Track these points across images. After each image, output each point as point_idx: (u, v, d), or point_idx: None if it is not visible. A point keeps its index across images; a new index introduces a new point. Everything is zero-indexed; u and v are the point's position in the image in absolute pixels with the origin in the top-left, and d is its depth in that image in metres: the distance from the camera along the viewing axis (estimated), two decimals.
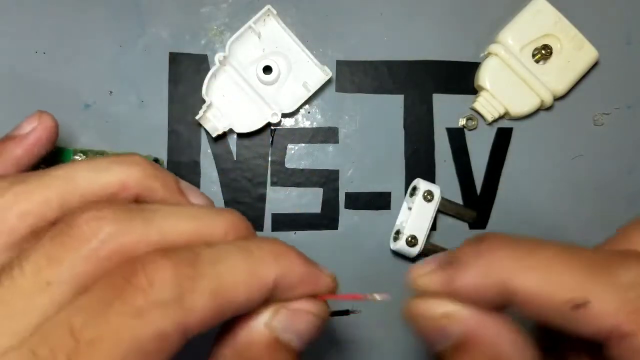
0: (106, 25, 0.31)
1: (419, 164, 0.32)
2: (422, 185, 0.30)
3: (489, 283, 0.18)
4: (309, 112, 0.32)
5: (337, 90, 0.32)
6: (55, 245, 0.17)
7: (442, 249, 0.31)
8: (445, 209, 0.31)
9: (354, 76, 0.32)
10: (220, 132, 0.30)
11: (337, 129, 0.31)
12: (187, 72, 0.31)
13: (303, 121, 0.32)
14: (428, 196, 0.30)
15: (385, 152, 0.31)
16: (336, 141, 0.31)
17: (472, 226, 0.32)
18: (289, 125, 0.31)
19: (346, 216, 0.31)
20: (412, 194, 0.30)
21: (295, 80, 0.31)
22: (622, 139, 0.32)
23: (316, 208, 0.31)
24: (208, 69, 0.31)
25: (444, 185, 0.31)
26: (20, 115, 0.30)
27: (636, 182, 0.32)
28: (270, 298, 0.18)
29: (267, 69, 0.30)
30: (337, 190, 0.31)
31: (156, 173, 0.20)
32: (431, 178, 0.31)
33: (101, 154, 0.30)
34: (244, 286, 0.17)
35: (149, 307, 0.15)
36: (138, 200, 0.20)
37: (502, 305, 0.18)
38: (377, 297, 0.20)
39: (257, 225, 0.31)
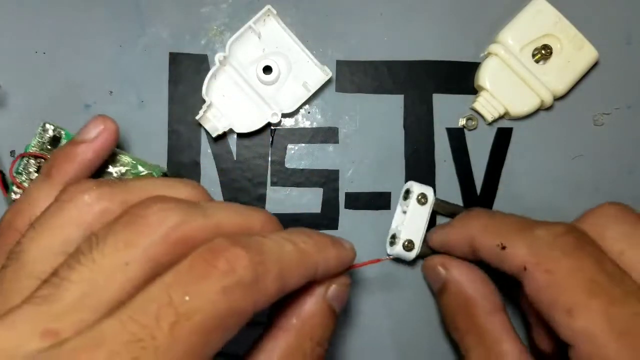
0: (106, 25, 0.31)
1: (419, 164, 0.32)
2: (415, 188, 0.30)
3: (463, 237, 0.27)
4: (309, 112, 0.32)
5: (337, 90, 0.32)
6: (130, 231, 0.19)
7: (454, 206, 0.31)
8: (440, 210, 0.31)
9: (354, 76, 0.32)
10: (220, 132, 0.30)
11: (337, 129, 0.31)
12: (187, 72, 0.31)
13: (303, 121, 0.32)
14: (422, 199, 0.29)
15: (385, 152, 0.31)
16: (336, 141, 0.31)
17: None
18: (289, 125, 0.31)
19: (346, 216, 0.31)
20: (405, 197, 0.30)
21: (295, 80, 0.31)
22: (622, 139, 0.32)
23: (316, 208, 0.31)
24: (208, 69, 0.31)
25: (444, 185, 0.31)
26: (20, 115, 0.30)
27: (636, 182, 0.32)
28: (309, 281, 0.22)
29: (267, 69, 0.30)
30: (337, 190, 0.31)
31: (208, 198, 0.24)
32: (431, 178, 0.31)
33: (116, 153, 0.29)
34: (297, 271, 0.21)
35: (233, 287, 0.18)
36: None
37: (474, 256, 0.27)
38: (385, 257, 0.30)
39: None
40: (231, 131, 0.30)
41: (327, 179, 0.31)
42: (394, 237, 0.30)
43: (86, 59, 0.31)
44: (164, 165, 0.31)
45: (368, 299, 0.31)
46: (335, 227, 0.31)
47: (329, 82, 0.31)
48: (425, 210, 0.30)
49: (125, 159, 0.28)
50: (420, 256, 0.30)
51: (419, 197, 0.29)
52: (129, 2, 0.31)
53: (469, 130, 0.32)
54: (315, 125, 0.31)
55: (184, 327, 0.17)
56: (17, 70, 0.30)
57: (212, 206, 0.21)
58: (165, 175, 0.30)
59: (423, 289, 0.31)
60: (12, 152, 0.30)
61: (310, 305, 0.23)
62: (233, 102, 0.30)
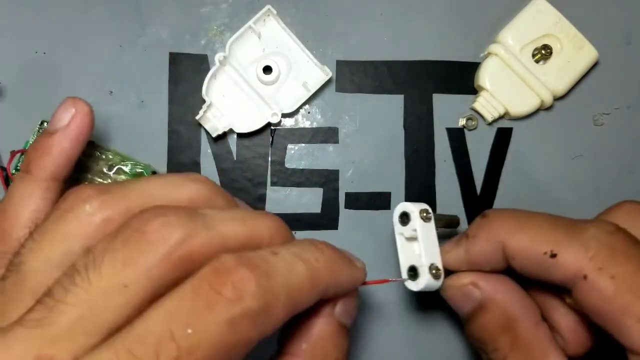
0: (106, 25, 0.31)
1: (419, 164, 0.32)
2: (412, 207, 0.25)
3: (492, 247, 0.23)
4: (309, 112, 0.32)
5: (337, 90, 0.32)
6: (129, 249, 0.18)
7: (448, 216, 0.28)
8: (438, 224, 0.26)
9: (354, 76, 0.32)
10: (220, 132, 0.30)
11: (337, 129, 0.31)
12: (187, 72, 0.31)
13: (303, 121, 0.32)
14: (426, 215, 0.25)
15: (385, 152, 0.31)
16: (336, 141, 0.31)
17: None
18: (289, 125, 0.31)
19: (346, 216, 0.31)
20: (404, 222, 0.25)
21: (295, 80, 0.31)
22: (622, 139, 0.32)
23: (316, 208, 0.31)
24: (208, 69, 0.31)
25: (444, 185, 0.31)
26: (20, 115, 0.30)
27: (636, 182, 0.32)
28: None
29: (267, 69, 0.30)
30: (337, 190, 0.31)
31: (218, 190, 0.23)
32: (431, 178, 0.31)
33: (104, 149, 0.29)
34: (307, 294, 0.19)
35: (241, 318, 0.17)
36: None
37: (505, 265, 0.24)
38: (399, 279, 0.26)
39: None
40: (231, 131, 0.30)
41: (327, 179, 0.31)
42: (413, 269, 0.25)
43: (86, 59, 0.31)
44: (163, 165, 0.31)
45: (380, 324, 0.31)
46: (335, 227, 0.31)
47: (329, 82, 0.31)
48: (432, 226, 0.25)
49: (114, 157, 0.28)
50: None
51: (423, 215, 0.25)
52: (129, 2, 0.31)
53: (469, 130, 0.32)
54: (315, 125, 0.31)
55: None
56: (17, 70, 0.30)
57: (216, 216, 0.20)
58: (154, 173, 0.30)
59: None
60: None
61: (320, 327, 0.21)
62: (233, 102, 0.30)
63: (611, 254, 0.21)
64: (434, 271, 0.25)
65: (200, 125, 0.30)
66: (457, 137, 0.32)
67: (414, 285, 0.25)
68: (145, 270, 0.17)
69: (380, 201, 0.31)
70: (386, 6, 0.32)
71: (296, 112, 0.31)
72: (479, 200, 0.32)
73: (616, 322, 0.20)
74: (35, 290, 0.19)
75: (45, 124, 0.28)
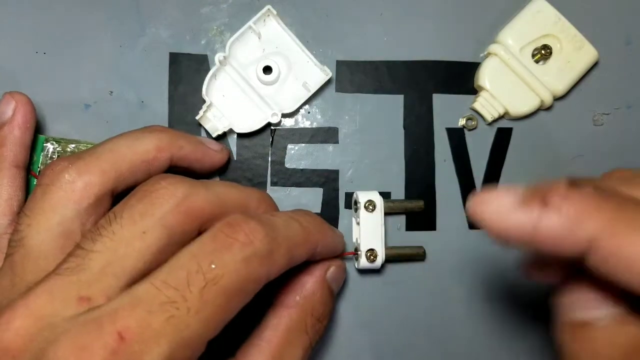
0: (106, 26, 0.31)
1: (419, 164, 0.32)
2: (360, 197, 0.29)
3: (577, 236, 0.17)
4: (309, 112, 0.32)
5: (337, 90, 0.32)
6: (144, 204, 0.21)
7: (408, 249, 0.30)
8: (392, 210, 0.30)
9: (354, 76, 0.32)
10: (220, 132, 0.30)
11: (337, 129, 0.31)
12: (187, 72, 0.31)
13: (303, 121, 0.32)
14: (370, 206, 0.29)
15: (385, 152, 0.31)
16: (336, 141, 0.31)
17: (473, 227, 0.32)
18: (289, 125, 0.31)
19: (346, 216, 0.31)
20: (355, 209, 0.30)
21: (295, 80, 0.31)
22: (622, 139, 0.32)
23: (316, 208, 0.31)
24: (208, 69, 0.31)
25: (444, 185, 0.31)
26: None
27: None
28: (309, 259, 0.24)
29: (267, 69, 0.30)
30: (337, 190, 0.31)
31: (178, 133, 0.27)
32: (431, 178, 0.31)
33: (75, 142, 0.30)
34: (302, 248, 0.23)
35: (252, 258, 0.20)
36: (173, 162, 0.26)
37: (574, 258, 0.17)
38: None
39: None
40: (231, 131, 0.30)
41: (327, 179, 0.31)
42: (356, 250, 0.29)
43: (86, 59, 0.31)
44: None
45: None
46: (335, 227, 0.31)
47: (329, 82, 0.31)
48: (377, 216, 0.29)
49: (81, 147, 0.29)
50: (387, 261, 0.30)
51: (367, 205, 0.29)
52: (129, 2, 0.31)
53: (469, 130, 0.32)
54: (315, 125, 0.31)
55: (212, 291, 0.19)
56: (17, 70, 0.30)
57: (212, 182, 0.23)
58: None
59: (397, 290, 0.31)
60: None
61: (312, 285, 0.25)
62: (233, 102, 0.30)
63: None
64: (369, 255, 0.29)
65: (200, 125, 0.30)
66: (457, 137, 0.32)
67: (356, 264, 0.29)
68: (159, 219, 0.21)
69: None
70: (386, 6, 0.32)
71: (296, 112, 0.31)
72: None
73: None
74: (44, 258, 0.22)
75: (51, 141, 0.29)
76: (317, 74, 0.30)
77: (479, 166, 0.32)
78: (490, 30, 0.31)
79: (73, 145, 0.29)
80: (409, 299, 0.31)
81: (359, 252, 0.29)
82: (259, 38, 0.30)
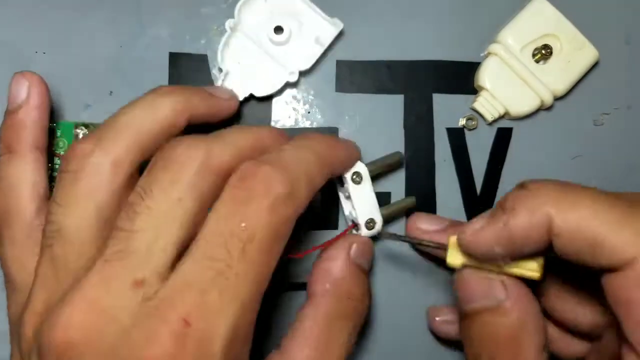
0: (106, 25, 0.31)
1: (419, 164, 0.32)
2: (345, 171, 0.28)
3: (537, 222, 0.21)
4: (309, 112, 0.32)
5: (337, 90, 0.32)
6: (169, 172, 0.21)
7: (398, 203, 0.30)
8: (375, 171, 0.29)
9: (354, 76, 0.32)
10: (241, 99, 0.30)
11: (337, 129, 0.31)
12: (187, 72, 0.31)
13: (303, 121, 0.32)
14: (357, 178, 0.28)
15: (385, 152, 0.31)
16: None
17: None
18: (289, 125, 0.31)
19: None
20: (341, 184, 0.29)
21: (307, 37, 0.31)
22: (622, 139, 0.32)
23: (316, 208, 0.31)
24: (208, 69, 0.31)
25: (444, 185, 0.31)
26: None
27: (636, 182, 0.32)
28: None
29: (278, 30, 0.30)
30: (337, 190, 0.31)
31: (190, 90, 0.26)
32: (431, 178, 0.31)
33: None
34: (320, 172, 0.23)
35: (277, 203, 0.20)
36: (190, 122, 0.25)
37: (545, 245, 0.21)
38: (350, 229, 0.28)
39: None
40: (252, 97, 0.30)
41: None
42: (354, 222, 0.29)
43: (86, 59, 0.31)
44: None
45: None
46: (336, 227, 0.31)
47: (329, 82, 0.31)
48: (366, 185, 0.28)
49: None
50: (386, 222, 0.29)
51: (354, 178, 0.28)
52: (129, 2, 0.31)
53: (469, 130, 0.32)
54: (315, 125, 0.31)
55: (251, 250, 0.19)
56: (17, 70, 0.30)
57: (225, 132, 0.23)
58: None
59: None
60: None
61: (338, 269, 0.25)
62: (249, 68, 0.30)
63: None
64: (370, 224, 0.28)
65: None
66: (457, 137, 0.32)
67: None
68: (188, 184, 0.21)
69: (380, 201, 0.31)
70: (386, 6, 0.32)
71: (312, 68, 0.31)
72: (479, 200, 0.32)
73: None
74: (87, 246, 0.21)
75: (81, 127, 0.29)
76: (328, 28, 0.30)
77: (479, 166, 0.32)
78: (490, 30, 0.31)
79: None
80: (405, 297, 0.31)
81: (358, 224, 0.28)
82: (265, 1, 0.30)
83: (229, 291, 0.19)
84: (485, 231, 0.22)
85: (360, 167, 0.28)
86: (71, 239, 0.22)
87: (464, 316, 0.24)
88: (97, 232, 0.22)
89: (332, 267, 0.25)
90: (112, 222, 0.21)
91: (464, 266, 0.24)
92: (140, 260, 0.19)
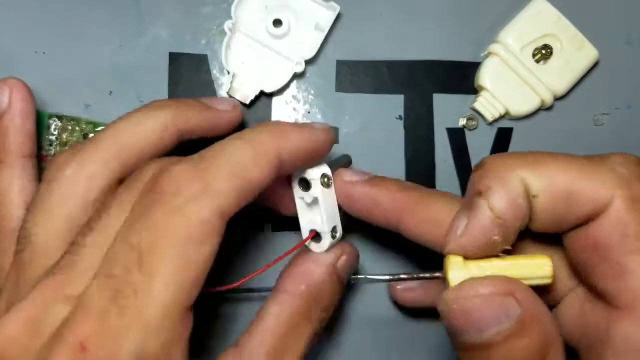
0: (106, 25, 0.31)
1: (420, 164, 0.32)
2: (312, 173, 0.24)
3: (515, 189, 0.20)
4: (309, 112, 0.32)
5: (337, 90, 0.32)
6: (130, 191, 0.20)
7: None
8: (333, 168, 0.26)
9: (354, 76, 0.32)
10: (252, 97, 0.30)
11: (337, 129, 0.31)
12: (187, 72, 0.31)
13: (303, 121, 0.31)
14: (327, 180, 0.25)
15: (385, 152, 0.31)
16: (336, 141, 0.31)
17: None
18: None
19: (346, 216, 0.31)
20: (305, 188, 0.25)
21: (306, 26, 0.31)
22: (622, 139, 0.32)
23: None
24: (208, 69, 0.31)
25: (444, 185, 0.31)
26: None
27: None
28: (282, 172, 0.21)
29: (277, 22, 0.30)
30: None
31: (184, 103, 0.25)
32: (431, 178, 0.31)
33: (76, 120, 0.30)
34: (252, 164, 0.20)
35: (185, 203, 0.18)
36: (181, 137, 0.24)
37: (529, 216, 0.20)
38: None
39: (258, 225, 0.31)
40: (262, 93, 0.31)
41: None
42: (317, 234, 0.25)
43: (86, 59, 0.31)
44: None
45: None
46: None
47: (329, 82, 0.31)
48: (333, 190, 0.26)
49: (87, 126, 0.29)
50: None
51: (324, 180, 0.25)
52: (129, 2, 0.31)
53: (469, 130, 0.32)
54: None
55: (151, 262, 0.18)
56: (17, 70, 0.30)
57: (207, 151, 0.21)
58: None
59: None
60: None
61: (321, 275, 0.23)
62: (254, 66, 0.30)
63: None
64: (333, 233, 0.25)
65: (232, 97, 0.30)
66: (457, 137, 0.32)
67: (316, 247, 0.25)
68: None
69: None
70: (386, 6, 0.32)
71: (317, 56, 0.31)
72: None
73: (621, 264, 0.18)
74: (52, 255, 0.21)
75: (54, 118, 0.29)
76: (325, 13, 0.31)
77: None
78: (490, 30, 0.31)
79: (73, 122, 0.30)
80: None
81: (320, 233, 0.25)
82: None
83: (130, 309, 0.17)
84: (472, 228, 0.20)
85: (326, 170, 0.25)
86: (37, 248, 0.22)
87: (468, 348, 0.19)
88: (64, 243, 0.21)
89: (315, 270, 0.24)
90: None
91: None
92: (78, 276, 0.19)
